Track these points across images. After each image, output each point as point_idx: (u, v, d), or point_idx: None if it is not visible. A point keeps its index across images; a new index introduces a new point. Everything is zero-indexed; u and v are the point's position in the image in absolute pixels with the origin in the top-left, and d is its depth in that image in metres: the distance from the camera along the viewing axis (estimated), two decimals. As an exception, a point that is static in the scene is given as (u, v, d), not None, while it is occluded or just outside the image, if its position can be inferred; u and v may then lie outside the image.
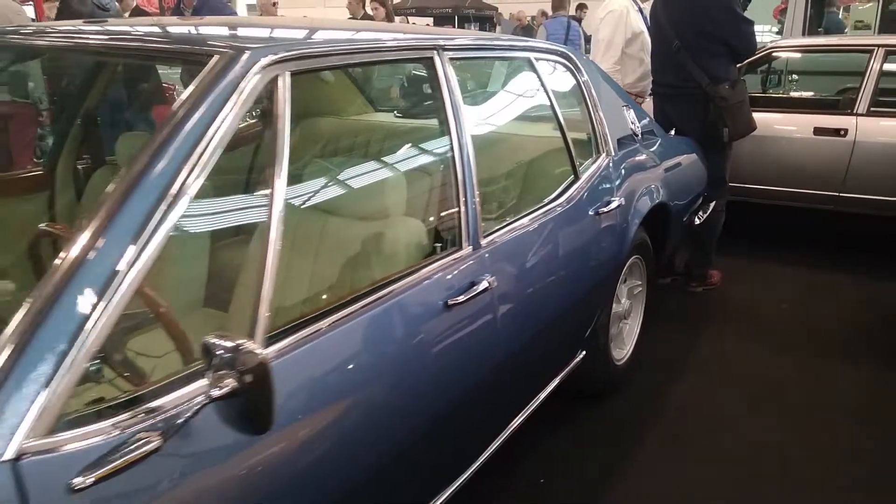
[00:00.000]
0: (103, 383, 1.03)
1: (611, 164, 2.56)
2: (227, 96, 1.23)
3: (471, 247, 1.74)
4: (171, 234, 1.08)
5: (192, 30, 1.69)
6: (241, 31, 1.61)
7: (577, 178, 2.34)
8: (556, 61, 2.47)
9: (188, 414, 0.96)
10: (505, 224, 1.94)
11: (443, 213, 1.76)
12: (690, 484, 2.32)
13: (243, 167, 1.50)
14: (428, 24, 18.99)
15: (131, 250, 1.02)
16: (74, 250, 0.99)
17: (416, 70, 3.13)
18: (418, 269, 1.58)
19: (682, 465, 2.43)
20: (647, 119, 3.19)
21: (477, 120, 1.92)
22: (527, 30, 13.17)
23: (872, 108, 4.23)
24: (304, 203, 1.66)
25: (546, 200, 2.18)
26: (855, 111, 4.25)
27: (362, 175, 1.91)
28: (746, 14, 3.61)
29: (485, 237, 1.80)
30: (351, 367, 1.33)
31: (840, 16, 7.73)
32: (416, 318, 1.52)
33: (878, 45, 4.36)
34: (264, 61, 1.31)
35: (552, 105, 2.33)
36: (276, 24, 1.80)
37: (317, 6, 24.81)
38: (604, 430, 2.64)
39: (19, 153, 5.17)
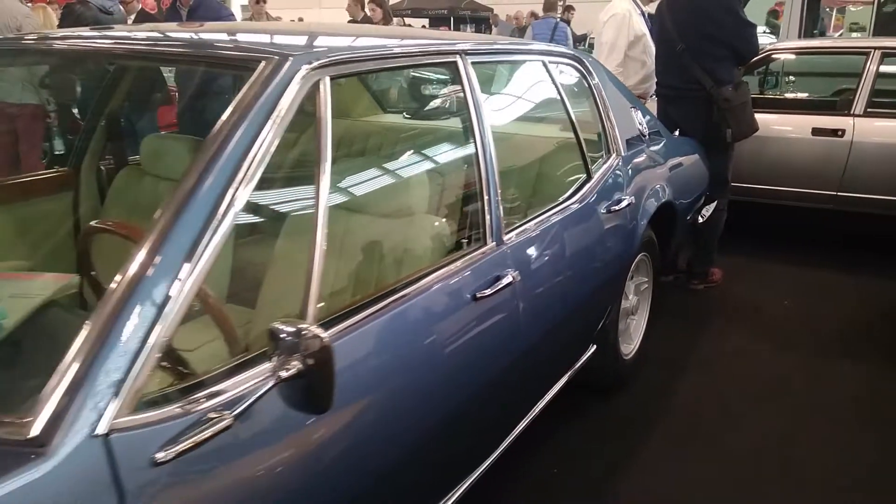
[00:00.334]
0: (173, 369, 1.11)
1: (621, 164, 2.65)
2: (276, 100, 1.30)
3: (494, 242, 1.82)
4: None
5: (233, 37, 1.76)
6: (276, 39, 1.68)
7: (589, 178, 2.42)
8: (568, 64, 2.56)
9: (257, 394, 1.04)
10: (524, 221, 2.02)
11: (468, 210, 1.84)
12: (694, 481, 2.39)
13: (287, 167, 1.57)
14: (424, 27, 19.07)
15: (198, 248, 1.09)
16: (148, 247, 1.06)
17: (414, 73, 3.23)
18: (447, 263, 1.67)
19: (687, 462, 2.50)
20: (653, 120, 3.28)
21: (496, 121, 1.99)
22: (524, 31, 13.25)
23: (869, 109, 4.33)
24: (341, 202, 1.74)
25: (561, 199, 2.27)
26: (852, 112, 4.35)
27: (392, 175, 1.99)
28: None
29: (506, 233, 1.88)
30: (390, 354, 1.42)
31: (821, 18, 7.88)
32: (448, 310, 1.61)
33: (875, 48, 4.46)
34: (307, 67, 1.39)
35: (565, 107, 2.42)
36: (306, 31, 1.88)
37: (312, 7, 24.87)
38: (611, 426, 2.72)
39: (26, 154, 5.23)
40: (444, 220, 1.84)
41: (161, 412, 1.01)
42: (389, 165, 2.04)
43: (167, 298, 1.03)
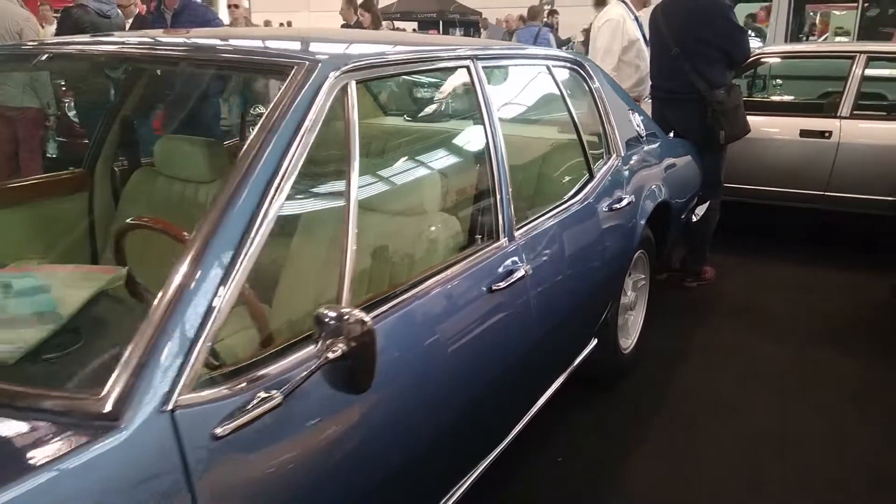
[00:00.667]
0: (225, 351, 1.19)
1: (620, 164, 2.74)
2: (310, 102, 1.39)
3: (506, 238, 1.91)
4: None
5: (262, 43, 1.84)
6: (303, 45, 1.76)
7: (592, 177, 2.52)
8: (569, 68, 2.66)
9: (305, 374, 1.12)
10: (533, 218, 2.11)
11: (481, 208, 1.93)
12: (695, 467, 2.49)
13: (317, 165, 1.65)
14: (415, 30, 19.16)
15: (246, 241, 1.17)
16: (202, 241, 1.14)
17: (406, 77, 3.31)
18: (464, 258, 1.76)
19: (687, 449, 2.60)
20: (650, 121, 3.39)
21: (505, 122, 2.09)
22: (514, 35, 13.37)
23: (855, 112, 4.46)
24: (365, 199, 1.82)
25: (566, 197, 2.37)
26: (838, 114, 4.48)
27: (411, 174, 2.08)
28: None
29: (517, 230, 1.97)
30: (417, 341, 1.51)
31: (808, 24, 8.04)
32: (466, 301, 1.70)
33: (860, 52, 4.60)
34: (336, 72, 1.48)
35: (568, 109, 2.52)
36: (327, 37, 1.96)
37: (301, 10, 24.92)
38: (612, 417, 2.82)
39: (26, 157, 5.26)
40: (459, 217, 1.93)
41: (217, 391, 1.09)
42: (408, 166, 2.12)
43: (219, 289, 1.11)
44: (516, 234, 1.96)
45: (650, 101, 4.23)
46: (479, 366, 1.73)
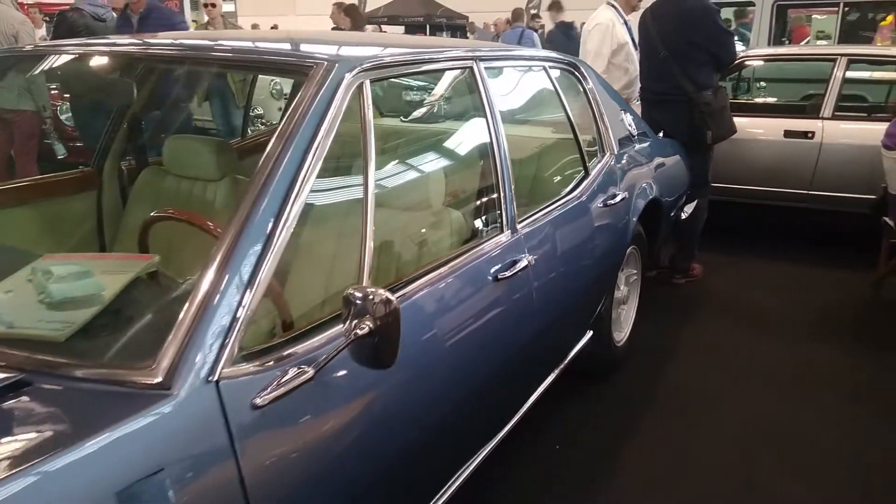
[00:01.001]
0: (258, 331, 1.27)
1: (614, 162, 2.85)
2: (330, 99, 1.48)
3: (510, 231, 2.01)
4: None
5: (279, 45, 1.93)
6: (318, 47, 1.85)
7: (587, 174, 2.63)
8: (565, 69, 2.77)
9: (335, 350, 1.21)
10: (533, 213, 2.21)
11: (487, 203, 2.03)
12: (687, 453, 2.59)
13: (336, 159, 1.74)
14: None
15: (277, 229, 1.26)
16: (236, 231, 1.22)
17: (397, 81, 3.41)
18: (471, 248, 1.85)
19: (679, 436, 2.70)
20: (640, 121, 3.50)
21: (507, 120, 2.18)
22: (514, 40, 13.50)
23: (836, 113, 4.60)
24: (380, 193, 1.91)
25: (563, 193, 2.47)
26: (821, 115, 4.62)
27: (422, 171, 2.17)
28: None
29: (519, 223, 2.07)
30: (431, 324, 1.60)
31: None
32: (475, 288, 1.79)
33: (841, 55, 4.74)
34: (352, 72, 1.57)
35: (564, 108, 2.62)
36: (339, 40, 2.05)
37: (287, 14, 24.98)
38: (607, 406, 2.92)
39: (22, 159, 5.30)
40: (466, 210, 2.03)
41: (255, 366, 1.17)
42: (419, 163, 2.22)
43: (255, 274, 1.20)
44: (518, 226, 2.05)
45: (639, 102, 4.34)
46: (487, 348, 1.82)
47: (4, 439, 0.96)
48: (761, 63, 5.52)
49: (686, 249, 4.29)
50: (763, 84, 6.05)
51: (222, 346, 1.12)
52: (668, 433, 2.72)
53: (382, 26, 19.43)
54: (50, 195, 2.56)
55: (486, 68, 2.12)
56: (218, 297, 1.14)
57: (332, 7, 8.06)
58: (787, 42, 8.32)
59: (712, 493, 2.37)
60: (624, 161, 2.96)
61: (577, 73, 2.83)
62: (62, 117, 6.39)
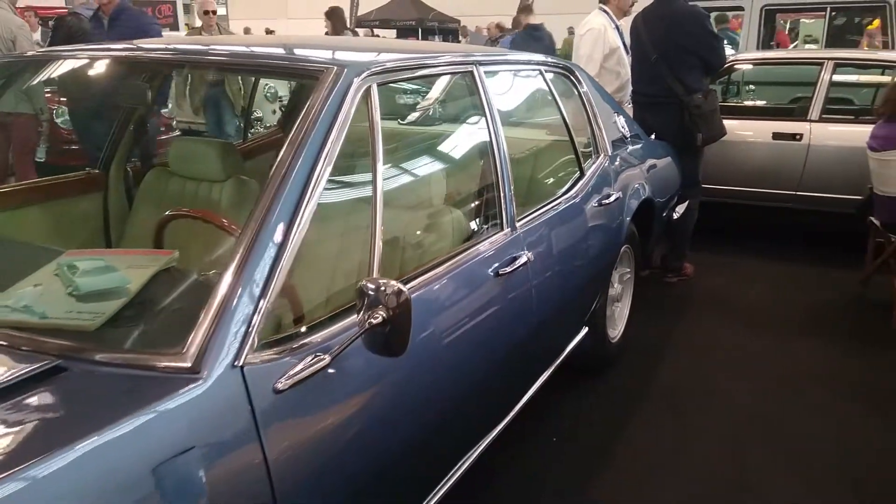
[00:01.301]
0: (277, 321, 1.34)
1: (608, 163, 2.93)
2: (340, 101, 1.55)
3: (509, 229, 2.09)
4: None
5: (289, 51, 2.01)
6: (326, 53, 1.92)
7: (582, 175, 2.71)
8: (561, 73, 2.85)
9: (349, 339, 1.28)
10: (531, 211, 2.29)
11: (488, 201, 2.11)
12: (683, 444, 2.67)
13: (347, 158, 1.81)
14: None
15: (293, 225, 1.33)
16: (257, 227, 1.29)
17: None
18: (473, 245, 1.93)
19: (673, 427, 2.78)
20: (633, 124, 3.59)
21: (506, 122, 2.26)
22: (495, 43, 13.61)
23: (824, 115, 4.71)
24: (387, 192, 1.99)
25: (560, 193, 2.55)
26: (808, 118, 4.72)
27: (426, 171, 2.25)
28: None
29: (518, 221, 2.15)
30: (436, 316, 1.68)
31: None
32: (476, 283, 1.87)
33: (828, 59, 4.85)
34: (361, 76, 1.64)
35: (560, 111, 2.71)
36: (345, 45, 2.13)
37: (279, 18, 25.04)
38: (602, 400, 3.00)
39: (20, 161, 5.34)
40: (468, 208, 2.10)
41: (275, 353, 1.25)
42: (423, 163, 2.29)
43: (274, 266, 1.27)
44: (518, 225, 2.13)
45: (631, 105, 4.43)
46: (489, 340, 1.90)
47: (46, 420, 1.03)
48: (750, 66, 5.62)
49: (678, 249, 4.37)
50: (752, 87, 6.16)
51: (245, 335, 1.19)
52: (661, 428, 2.79)
53: (374, 30, 19.50)
54: (57, 196, 2.61)
55: (485, 72, 2.20)
56: (241, 289, 1.22)
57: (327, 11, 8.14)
58: (775, 46, 8.45)
59: (704, 487, 2.43)
60: (617, 162, 3.05)
61: (572, 76, 2.92)
62: (58, 121, 6.44)
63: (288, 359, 1.25)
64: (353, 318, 1.32)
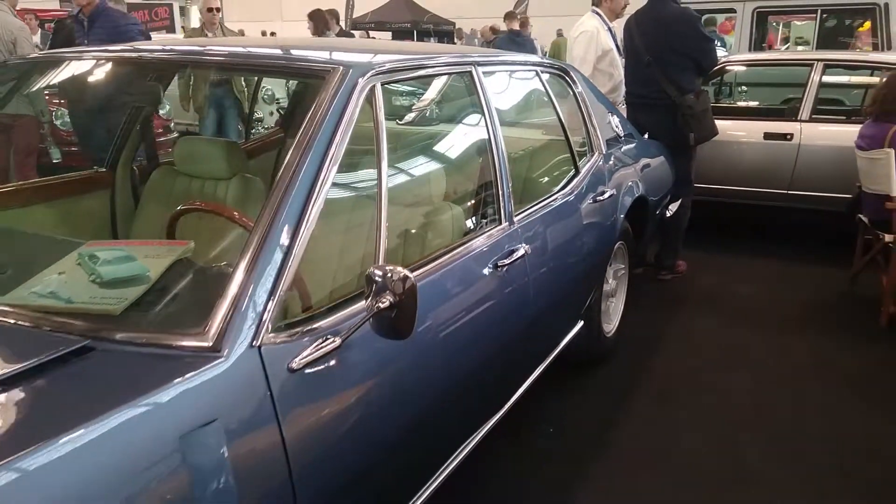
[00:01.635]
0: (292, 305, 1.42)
1: (602, 161, 3.02)
2: (346, 100, 1.63)
3: (507, 223, 2.17)
4: None
5: (296, 52, 2.08)
6: (332, 54, 2.00)
7: (577, 172, 2.79)
8: (556, 74, 2.94)
9: (359, 322, 1.36)
10: (528, 207, 2.37)
11: (486, 197, 2.19)
12: (677, 433, 2.76)
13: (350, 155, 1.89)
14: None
15: (304, 216, 1.41)
16: (272, 218, 1.37)
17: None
18: (473, 238, 2.01)
19: (668, 417, 2.87)
20: (627, 124, 3.68)
21: (503, 121, 2.34)
22: (490, 45, 13.70)
23: (814, 115, 4.81)
24: (390, 187, 2.07)
25: (556, 189, 2.63)
26: (799, 118, 4.82)
27: (428, 167, 2.33)
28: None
29: (516, 216, 2.23)
30: (439, 304, 1.76)
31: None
32: (476, 274, 1.94)
33: (818, 60, 4.95)
34: (365, 75, 1.72)
35: (556, 110, 2.79)
36: (349, 46, 2.21)
37: (274, 20, 25.10)
38: (598, 392, 3.08)
39: (21, 163, 5.39)
40: (468, 203, 2.18)
41: (289, 335, 1.32)
42: (425, 160, 2.37)
43: (287, 255, 1.35)
44: (515, 219, 2.21)
45: (624, 106, 4.52)
46: (490, 327, 1.98)
47: (81, 393, 1.11)
48: (742, 68, 5.73)
49: (671, 247, 4.46)
50: (744, 88, 6.27)
51: (262, 318, 1.27)
52: (654, 419, 2.87)
53: (370, 32, 19.58)
54: (65, 194, 2.68)
55: (483, 73, 2.28)
56: (257, 274, 1.29)
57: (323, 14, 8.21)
58: (767, 48, 8.57)
59: (695, 477, 2.50)
60: (612, 161, 3.13)
61: (567, 77, 3.00)
62: (57, 122, 6.50)
63: (301, 341, 1.33)
64: (361, 304, 1.40)
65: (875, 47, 6.95)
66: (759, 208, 5.12)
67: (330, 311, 1.43)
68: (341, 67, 1.71)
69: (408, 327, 1.38)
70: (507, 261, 2.05)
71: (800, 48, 9.48)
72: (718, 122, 4.28)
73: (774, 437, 2.75)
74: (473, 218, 2.18)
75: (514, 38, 9.16)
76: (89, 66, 2.43)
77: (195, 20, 17.46)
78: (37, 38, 8.94)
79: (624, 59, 4.51)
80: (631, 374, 3.25)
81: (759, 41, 7.88)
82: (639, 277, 4.33)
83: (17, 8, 6.30)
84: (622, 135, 3.42)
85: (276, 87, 8.48)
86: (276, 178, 1.47)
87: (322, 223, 1.48)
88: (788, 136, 4.78)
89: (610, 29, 4.74)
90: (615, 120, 3.41)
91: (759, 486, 2.47)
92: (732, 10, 7.67)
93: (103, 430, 1.01)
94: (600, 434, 2.76)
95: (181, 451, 1.07)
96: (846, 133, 4.41)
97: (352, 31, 14.91)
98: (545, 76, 2.80)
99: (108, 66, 2.44)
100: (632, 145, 3.53)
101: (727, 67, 5.36)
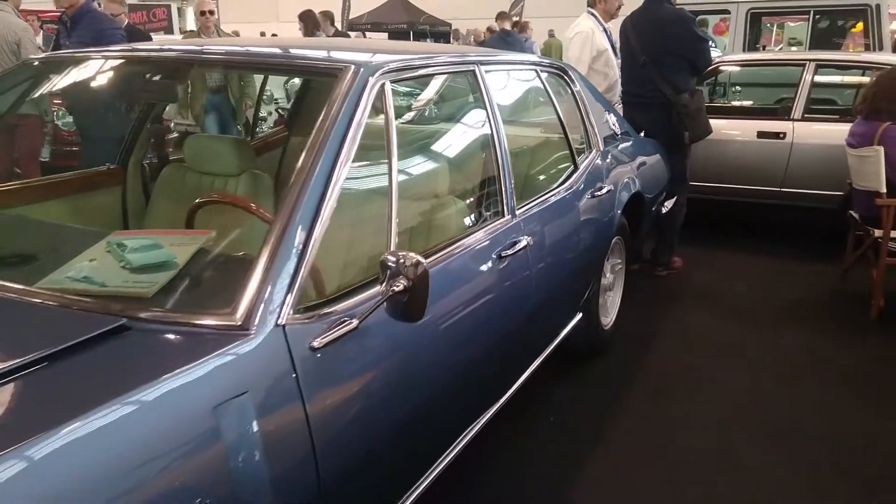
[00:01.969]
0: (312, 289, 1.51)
1: (600, 158, 3.11)
2: (358, 97, 1.72)
3: (510, 215, 2.26)
4: None
5: (308, 51, 2.17)
6: (341, 53, 2.08)
7: (576, 168, 2.88)
8: (555, 73, 3.03)
9: (374, 306, 1.45)
10: (530, 200, 2.46)
11: (489, 190, 2.28)
12: (674, 424, 2.85)
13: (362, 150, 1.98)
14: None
15: (322, 206, 1.49)
16: (292, 207, 1.45)
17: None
18: (478, 230, 2.10)
19: (665, 409, 2.96)
20: (623, 122, 3.78)
21: (505, 118, 2.43)
22: (482, 45, 13.81)
23: (806, 115, 4.91)
24: (401, 180, 2.16)
25: (556, 184, 2.72)
26: (791, 117, 4.92)
27: (433, 163, 2.42)
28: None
29: (518, 209, 2.32)
30: (444, 291, 1.85)
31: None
32: (481, 263, 2.04)
33: (810, 60, 5.06)
34: (375, 74, 1.81)
35: (555, 108, 2.88)
36: (358, 46, 2.29)
37: (270, 21, 25.15)
38: (597, 383, 3.17)
39: (25, 162, 5.45)
40: (472, 196, 2.27)
41: (310, 316, 1.41)
42: (432, 155, 2.46)
43: (307, 242, 1.44)
44: (518, 212, 2.30)
45: (620, 105, 4.61)
46: (494, 315, 2.07)
47: (121, 368, 1.19)
48: (736, 68, 5.83)
49: (666, 243, 4.56)
50: (738, 88, 6.37)
51: (285, 299, 1.36)
52: (650, 410, 2.96)
53: (366, 33, 19.64)
54: (77, 190, 2.76)
55: (486, 72, 2.37)
56: (279, 259, 1.38)
57: (318, 16, 8.29)
58: (762, 49, 8.68)
59: (689, 466, 2.58)
60: (609, 158, 3.23)
61: (565, 76, 3.10)
62: (58, 122, 6.57)
63: (321, 322, 1.42)
64: (373, 290, 1.50)
65: (867, 48, 7.06)
66: (753, 206, 5.22)
67: (345, 296, 1.52)
68: (353, 66, 1.79)
69: (420, 310, 1.47)
70: (510, 251, 2.14)
71: (793, 48, 9.59)
72: (713, 121, 4.38)
73: (767, 428, 2.83)
74: (478, 210, 2.27)
75: (504, 38, 9.32)
76: (110, 65, 2.50)
77: (191, 22, 17.51)
78: (39, 40, 8.98)
79: (619, 60, 4.60)
80: (627, 365, 3.34)
81: (753, 42, 7.99)
82: (635, 273, 4.42)
83: (20, 9, 6.35)
84: (619, 133, 3.52)
85: (275, 89, 8.57)
86: (292, 172, 1.55)
87: (337, 214, 1.57)
88: (781, 135, 4.88)
89: (605, 29, 4.84)
90: (612, 118, 3.50)
91: (753, 474, 2.54)
92: (727, 11, 7.78)
93: (149, 398, 1.10)
94: (596, 423, 2.84)
95: (216, 419, 1.15)
96: (837, 132, 4.50)
97: (348, 32, 15.00)
98: (544, 75, 2.90)
99: (128, 65, 2.52)
100: (628, 143, 3.63)
101: (721, 67, 5.46)
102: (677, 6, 4.33)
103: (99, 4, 6.23)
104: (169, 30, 15.98)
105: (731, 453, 2.67)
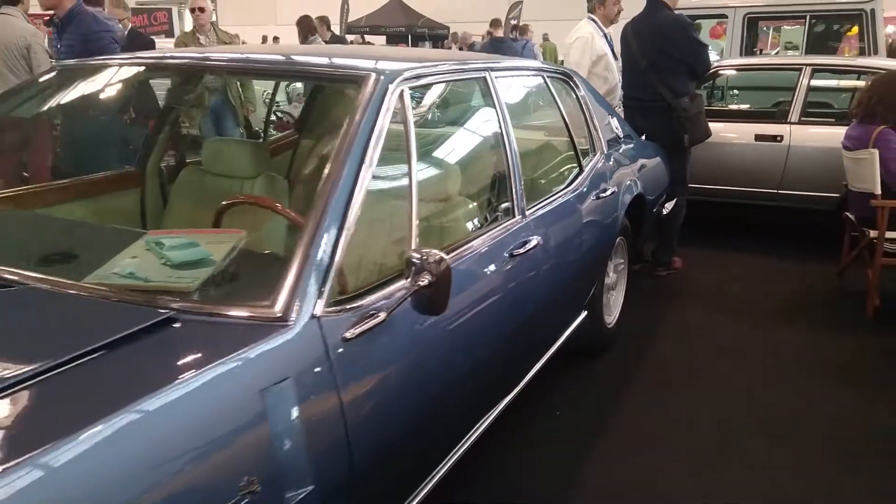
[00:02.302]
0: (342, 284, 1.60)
1: (604, 161, 3.21)
2: (380, 103, 1.81)
3: (521, 216, 2.36)
4: None
5: (325, 59, 2.27)
6: (361, 61, 2.18)
7: (581, 170, 2.98)
8: (560, 78, 3.14)
9: (400, 300, 1.54)
10: (538, 201, 2.56)
11: (501, 192, 2.38)
12: (675, 419, 2.93)
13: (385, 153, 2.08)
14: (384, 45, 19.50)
15: (350, 205, 1.59)
16: (320, 209, 1.55)
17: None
18: (490, 230, 2.20)
19: (666, 404, 3.05)
20: (626, 125, 3.88)
21: (515, 122, 2.53)
22: (472, 48, 13.92)
23: (803, 118, 5.02)
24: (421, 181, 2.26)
25: (562, 186, 2.82)
26: (788, 120, 5.03)
27: (447, 165, 2.51)
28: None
29: (528, 210, 2.42)
30: (464, 285, 1.95)
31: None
32: (494, 262, 2.13)
33: (806, 64, 5.16)
34: (395, 81, 1.91)
35: (561, 112, 2.98)
36: (374, 54, 2.39)
37: (269, 24, 25.24)
38: (600, 379, 3.27)
39: (36, 164, 5.51)
40: (484, 197, 2.37)
41: (341, 308, 1.50)
42: (445, 158, 2.56)
43: (338, 238, 1.54)
44: (528, 212, 2.40)
45: (621, 109, 4.71)
46: (504, 311, 2.17)
47: (172, 356, 1.29)
48: (734, 72, 5.94)
49: (667, 244, 4.66)
50: (736, 92, 6.48)
51: (319, 293, 1.45)
52: (651, 404, 3.05)
53: (365, 36, 19.74)
54: (96, 193, 2.84)
55: (496, 77, 2.47)
56: (312, 255, 1.48)
57: (316, 21, 8.39)
58: (759, 52, 8.79)
59: (691, 457, 2.67)
60: (612, 160, 3.33)
61: (570, 81, 3.20)
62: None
63: (352, 314, 1.51)
64: (397, 284, 1.60)
65: (862, 51, 7.17)
66: (751, 207, 5.32)
67: (371, 291, 1.61)
68: (374, 74, 1.89)
69: (443, 304, 1.56)
70: (521, 250, 2.24)
71: (789, 52, 9.71)
72: (711, 125, 4.48)
73: (766, 421, 2.93)
74: (490, 211, 2.37)
75: (496, 45, 9.52)
76: (134, 71, 2.58)
77: (188, 24, 17.54)
78: (45, 44, 9.04)
79: (620, 64, 4.70)
80: (629, 362, 3.44)
81: (750, 46, 8.10)
82: (636, 274, 4.52)
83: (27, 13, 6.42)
84: (621, 136, 3.63)
85: (278, 94, 8.67)
86: (302, 174, 1.66)
87: (362, 214, 1.66)
88: (778, 138, 4.98)
89: (605, 34, 4.93)
90: (614, 122, 3.61)
91: (751, 464, 2.63)
92: (724, 16, 7.89)
93: (203, 381, 1.19)
94: (600, 417, 2.93)
95: (263, 402, 1.25)
96: (833, 135, 4.59)
97: (345, 36, 15.09)
98: (550, 80, 3.00)
99: (152, 71, 2.60)
100: (630, 146, 3.73)
101: (720, 71, 5.57)
102: (676, 11, 4.44)
103: (104, 8, 6.31)
104: (170, 33, 16.03)
105: (729, 441, 2.77)
